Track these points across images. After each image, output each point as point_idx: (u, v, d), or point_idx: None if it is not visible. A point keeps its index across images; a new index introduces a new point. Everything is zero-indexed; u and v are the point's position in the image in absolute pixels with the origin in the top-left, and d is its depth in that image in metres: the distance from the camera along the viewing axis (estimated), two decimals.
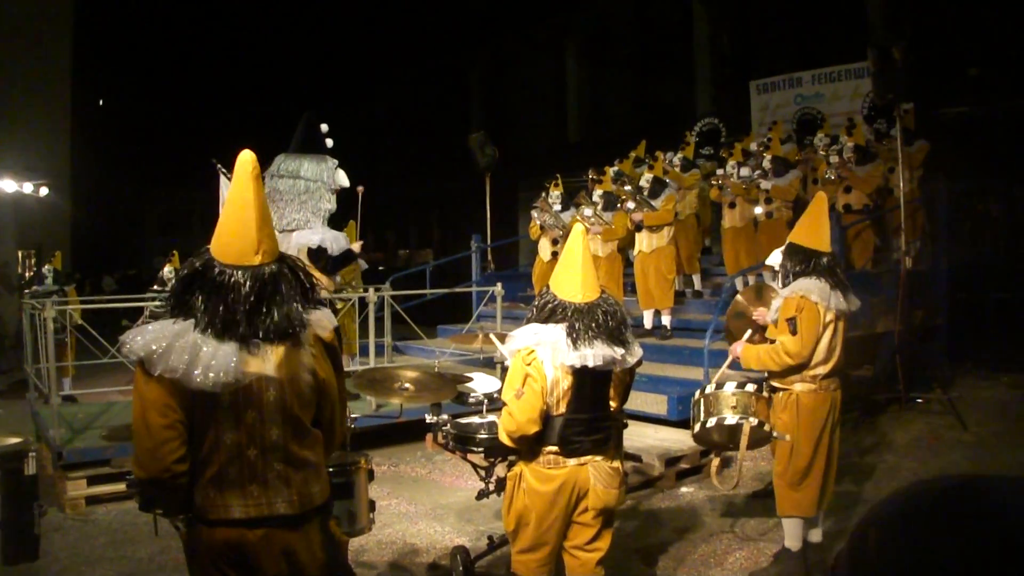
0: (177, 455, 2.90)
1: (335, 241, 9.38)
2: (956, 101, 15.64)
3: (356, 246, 9.78)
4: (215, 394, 2.88)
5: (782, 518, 5.87)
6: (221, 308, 2.93)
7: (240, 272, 2.98)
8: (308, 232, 9.45)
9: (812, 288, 5.55)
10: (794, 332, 5.51)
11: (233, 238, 3.04)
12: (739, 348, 5.96)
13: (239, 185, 3.10)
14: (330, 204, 9.47)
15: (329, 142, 9.56)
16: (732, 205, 11.98)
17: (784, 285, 5.78)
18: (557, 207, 12.87)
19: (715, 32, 22.22)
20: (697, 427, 5.63)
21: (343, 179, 9.52)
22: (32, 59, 25.50)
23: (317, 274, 9.63)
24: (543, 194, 13.22)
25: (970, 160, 14.01)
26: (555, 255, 12.60)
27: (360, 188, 9.94)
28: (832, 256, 5.82)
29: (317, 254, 9.39)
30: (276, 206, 9.63)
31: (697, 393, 5.69)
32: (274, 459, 2.98)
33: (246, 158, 3.12)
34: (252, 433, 2.95)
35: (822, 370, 5.63)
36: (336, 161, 9.45)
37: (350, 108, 32.75)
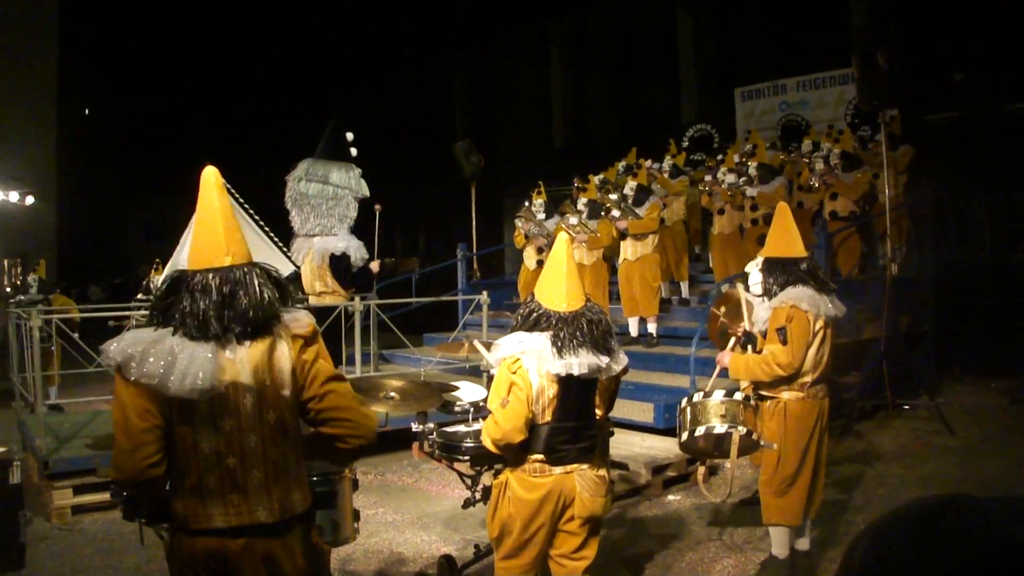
0: (153, 459, 2.92)
1: (359, 250, 9.46)
2: (941, 106, 15.70)
3: (375, 265, 9.84)
4: (192, 402, 2.89)
5: (769, 526, 5.86)
6: (193, 308, 2.96)
7: (211, 274, 3.03)
8: (333, 239, 9.52)
9: (801, 297, 5.53)
10: (784, 342, 5.50)
11: (203, 244, 3.11)
12: (726, 358, 5.94)
13: (205, 196, 3.17)
14: (355, 212, 9.55)
15: (353, 151, 9.59)
16: (721, 212, 12.00)
17: (770, 298, 5.77)
18: (541, 215, 12.88)
19: (700, 39, 22.30)
20: (684, 436, 5.57)
21: (366, 189, 9.59)
22: (18, 68, 25.48)
23: (330, 281, 9.70)
24: (526, 203, 13.22)
25: (955, 165, 14.08)
26: (540, 264, 12.60)
27: (378, 206, 10.02)
28: (810, 259, 5.80)
29: (340, 261, 9.43)
30: (301, 210, 9.68)
31: (684, 401, 5.66)
32: (253, 467, 2.98)
33: (210, 171, 3.21)
34: (230, 441, 2.95)
35: (810, 378, 5.62)
36: (360, 170, 9.52)
37: (334, 116, 32.69)
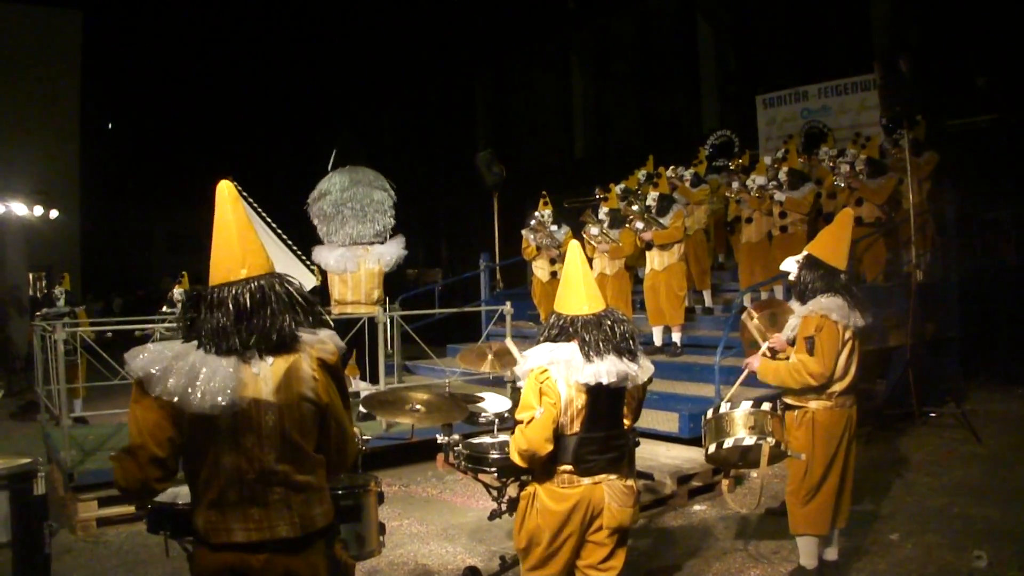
0: (159, 474, 2.95)
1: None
2: (964, 112, 15.61)
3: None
4: (213, 417, 2.89)
5: (796, 536, 5.82)
6: (212, 324, 2.98)
7: (228, 288, 3.04)
8: (394, 244, 9.82)
9: (832, 307, 5.52)
10: (811, 352, 5.48)
11: (219, 258, 3.11)
12: (756, 362, 5.90)
13: (220, 211, 3.17)
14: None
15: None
16: (749, 220, 11.92)
17: (800, 297, 5.74)
18: (552, 227, 12.86)
19: (720, 47, 22.28)
20: (712, 447, 5.51)
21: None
22: (41, 83, 25.76)
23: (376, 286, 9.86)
24: (535, 214, 13.19)
25: (979, 170, 13.97)
26: (554, 275, 12.59)
27: None
28: (848, 274, 5.79)
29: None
30: (371, 217, 9.83)
31: (709, 412, 5.62)
32: (274, 483, 2.98)
33: (224, 185, 3.21)
34: (251, 457, 2.95)
35: (838, 387, 5.60)
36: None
37: (357, 127, 32.83)
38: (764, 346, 6.00)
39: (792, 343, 5.72)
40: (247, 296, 3.01)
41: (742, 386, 6.02)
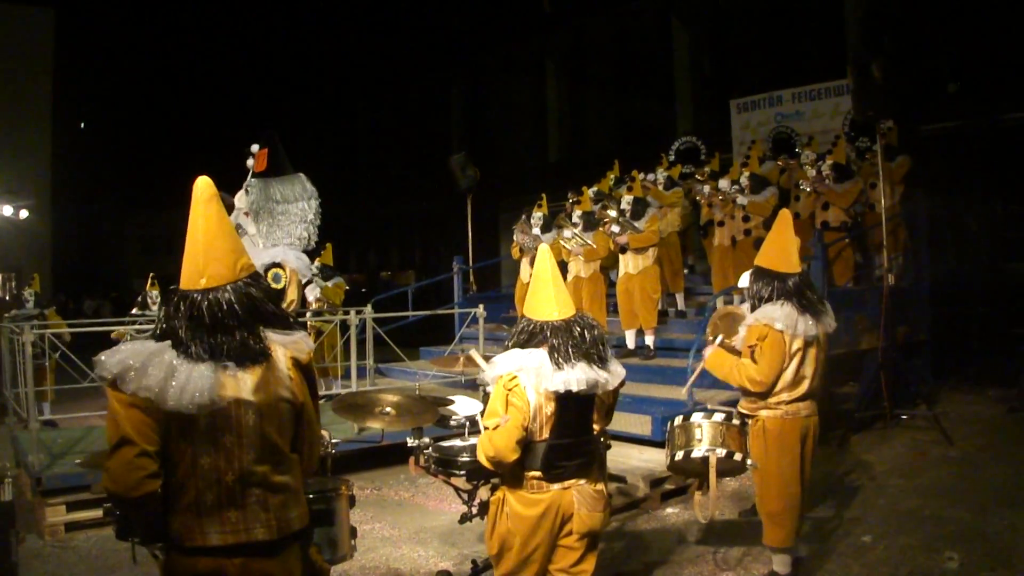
0: (150, 471, 2.86)
1: None
2: (936, 117, 15.73)
3: None
4: (191, 417, 2.86)
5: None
6: (182, 333, 2.96)
7: (189, 297, 3.03)
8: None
9: (777, 315, 5.47)
10: (755, 361, 5.48)
11: (186, 263, 3.10)
12: (709, 350, 5.90)
13: (192, 211, 3.13)
14: None
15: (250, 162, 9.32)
16: (721, 223, 11.96)
17: (752, 308, 5.73)
18: (537, 230, 12.83)
19: (695, 52, 22.35)
20: (668, 460, 5.62)
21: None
22: (13, 82, 25.55)
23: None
24: (523, 215, 13.17)
25: (951, 175, 14.09)
26: None
27: None
28: (801, 277, 5.68)
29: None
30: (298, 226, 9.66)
31: (669, 424, 5.65)
32: (252, 483, 2.96)
33: (200, 183, 3.16)
34: (229, 457, 2.93)
35: (787, 396, 5.56)
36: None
37: (330, 129, 32.74)
38: (718, 339, 5.99)
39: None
40: (203, 309, 2.99)
41: (696, 387, 6.03)
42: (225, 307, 3.00)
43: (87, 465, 5.30)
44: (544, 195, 13.48)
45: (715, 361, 5.79)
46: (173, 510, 2.94)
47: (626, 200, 11.30)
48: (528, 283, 12.57)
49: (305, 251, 9.00)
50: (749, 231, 11.41)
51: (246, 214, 7.76)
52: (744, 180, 11.63)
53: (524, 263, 13.08)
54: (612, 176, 14.95)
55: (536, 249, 12.54)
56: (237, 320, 3.00)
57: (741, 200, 11.42)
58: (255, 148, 8.51)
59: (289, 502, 3.05)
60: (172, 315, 3.00)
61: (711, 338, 6.16)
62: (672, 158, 15.92)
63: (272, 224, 9.09)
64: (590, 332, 4.09)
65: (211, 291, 3.02)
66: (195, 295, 3.01)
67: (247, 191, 8.13)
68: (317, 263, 12.68)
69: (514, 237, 13.26)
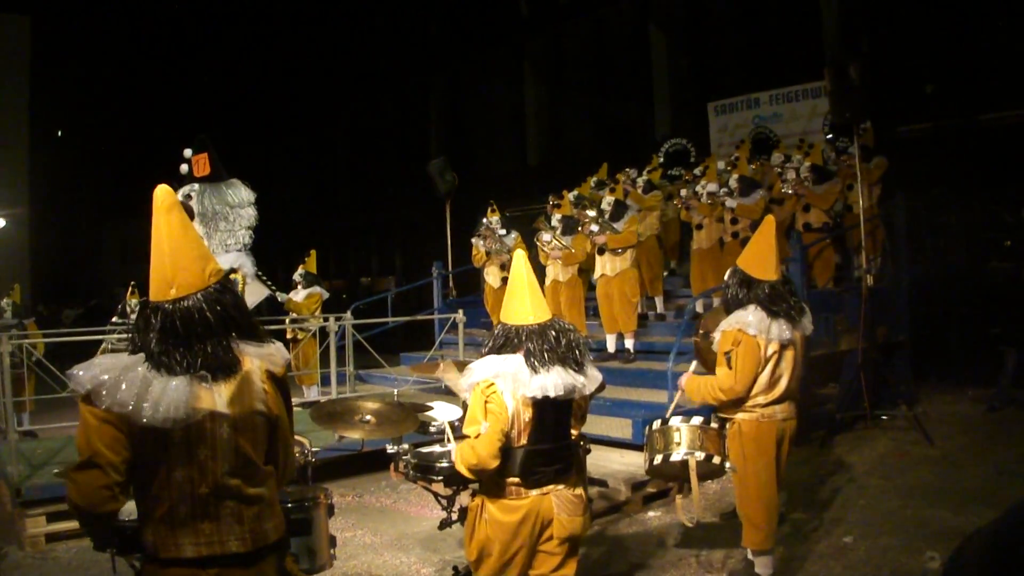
0: (115, 491, 2.86)
1: None
2: (913, 118, 15.81)
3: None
4: (166, 430, 2.83)
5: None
6: (154, 346, 2.93)
7: (160, 308, 3.00)
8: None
9: (749, 321, 5.49)
10: (731, 366, 5.50)
11: (153, 274, 3.07)
12: (683, 380, 5.94)
13: (155, 220, 3.10)
14: None
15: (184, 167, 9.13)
16: (700, 227, 11.96)
17: (726, 308, 5.75)
18: (501, 232, 12.83)
19: (673, 54, 22.37)
20: (647, 464, 5.64)
21: None
22: None
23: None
24: (483, 220, 13.16)
25: (928, 176, 14.15)
26: (506, 280, 12.54)
27: None
28: (777, 284, 5.67)
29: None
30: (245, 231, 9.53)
31: (647, 428, 5.66)
32: (226, 496, 2.93)
33: (159, 191, 3.13)
34: (204, 470, 2.90)
35: (763, 399, 5.57)
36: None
37: (309, 135, 32.67)
38: (692, 366, 6.05)
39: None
40: (177, 319, 2.96)
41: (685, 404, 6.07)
42: (197, 316, 2.97)
43: (63, 476, 5.27)
44: (493, 201, 13.41)
45: (692, 387, 5.83)
46: (147, 521, 2.92)
47: (606, 201, 11.29)
48: (498, 287, 12.65)
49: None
50: (736, 233, 11.41)
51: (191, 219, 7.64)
52: (733, 183, 11.64)
53: (492, 268, 13.06)
54: (594, 179, 14.96)
55: (504, 253, 12.62)
56: (209, 329, 2.97)
57: (730, 203, 11.43)
58: (188, 153, 8.40)
59: (264, 514, 3.03)
60: (144, 328, 2.97)
61: (700, 335, 6.21)
62: (662, 160, 15.95)
63: (225, 229, 8.98)
64: (565, 336, 4.08)
65: (182, 299, 2.99)
66: (166, 306, 2.98)
67: (191, 196, 8.05)
68: (301, 270, 12.65)
69: (474, 243, 13.23)
